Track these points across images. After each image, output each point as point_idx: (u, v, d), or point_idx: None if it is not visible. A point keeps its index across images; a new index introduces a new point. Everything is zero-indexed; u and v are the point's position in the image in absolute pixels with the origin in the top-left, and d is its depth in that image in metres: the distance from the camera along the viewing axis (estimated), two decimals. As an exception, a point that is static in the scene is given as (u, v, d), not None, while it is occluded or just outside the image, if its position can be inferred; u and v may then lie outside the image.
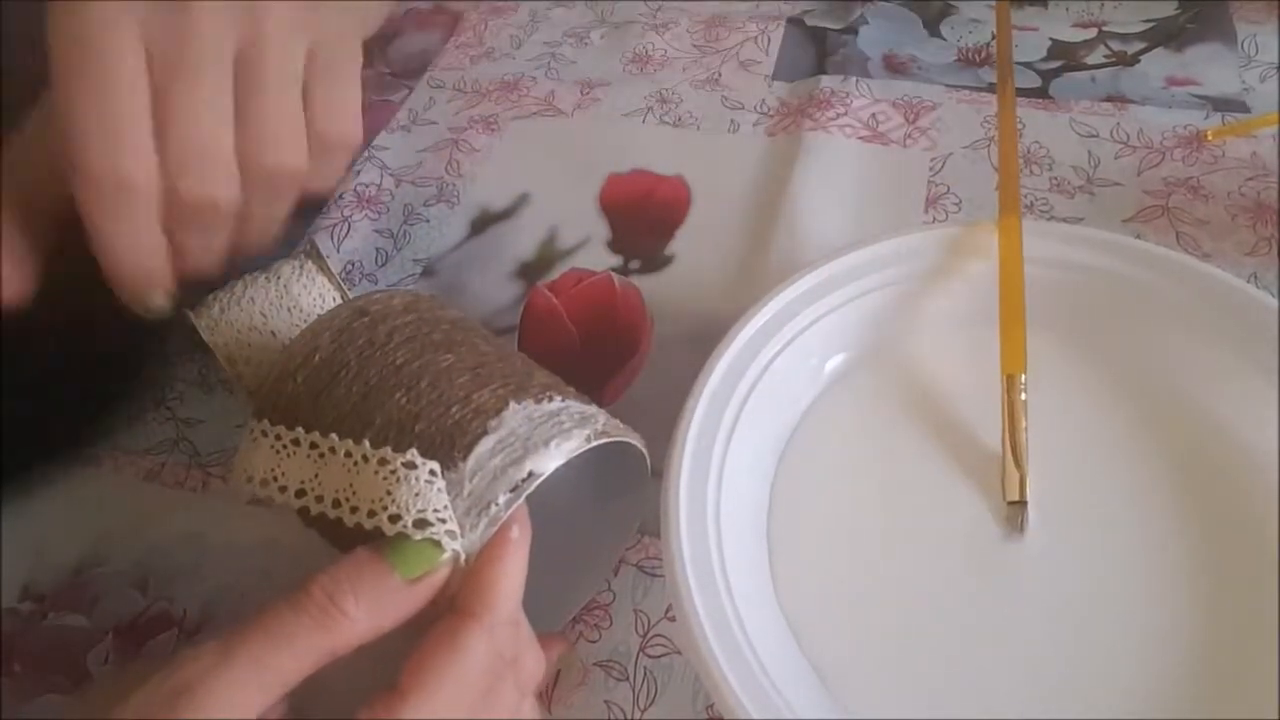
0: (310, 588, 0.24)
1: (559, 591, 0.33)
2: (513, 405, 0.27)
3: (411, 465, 0.25)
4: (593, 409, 0.29)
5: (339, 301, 0.37)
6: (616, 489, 0.33)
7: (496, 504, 0.26)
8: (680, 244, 0.46)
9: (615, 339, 0.42)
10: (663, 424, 0.32)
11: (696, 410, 0.32)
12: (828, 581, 0.32)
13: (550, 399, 0.28)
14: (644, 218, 0.47)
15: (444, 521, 0.25)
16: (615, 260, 0.46)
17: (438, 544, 0.25)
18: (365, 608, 0.24)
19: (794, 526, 0.34)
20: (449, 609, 0.25)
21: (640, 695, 0.32)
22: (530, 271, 0.46)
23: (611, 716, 0.31)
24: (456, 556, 0.25)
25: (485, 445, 0.26)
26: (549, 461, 0.26)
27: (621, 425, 0.30)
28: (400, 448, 0.26)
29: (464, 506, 0.26)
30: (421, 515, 0.25)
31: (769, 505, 0.34)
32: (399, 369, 0.28)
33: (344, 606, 0.24)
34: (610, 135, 0.52)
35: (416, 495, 0.25)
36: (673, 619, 0.33)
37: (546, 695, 0.32)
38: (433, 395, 0.27)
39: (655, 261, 0.45)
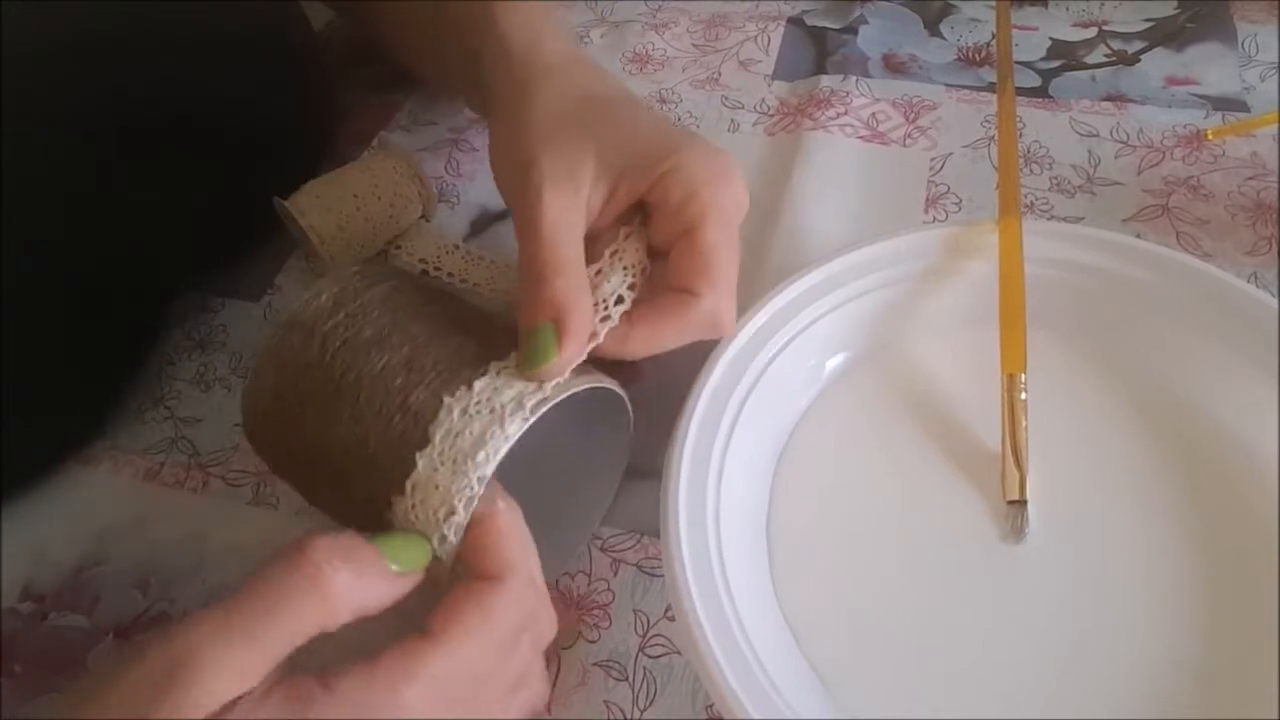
0: (304, 547, 0.24)
1: (555, 540, 0.34)
2: (446, 401, 0.27)
3: (389, 505, 0.27)
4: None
5: (416, 187, 0.45)
6: (599, 426, 0.34)
7: (456, 515, 0.26)
8: (680, 244, 0.46)
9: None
10: (663, 424, 0.32)
11: (696, 410, 0.32)
12: (827, 581, 0.32)
13: (483, 374, 0.28)
14: (644, 217, 0.47)
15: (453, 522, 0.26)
16: (615, 260, 0.46)
17: (426, 540, 0.26)
18: (354, 579, 0.24)
19: (794, 526, 0.34)
20: (465, 576, 0.26)
21: (640, 695, 0.32)
22: (530, 271, 0.46)
23: (611, 716, 0.31)
24: (438, 561, 0.26)
25: (431, 453, 0.27)
26: (492, 459, 0.26)
27: (568, 375, 0.29)
28: (362, 481, 0.27)
29: (436, 503, 0.26)
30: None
31: (769, 505, 0.34)
32: (339, 388, 0.28)
33: (338, 571, 0.24)
34: (610, 135, 0.52)
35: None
36: (672, 619, 0.33)
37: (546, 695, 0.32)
38: (373, 409, 0.28)
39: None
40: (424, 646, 0.24)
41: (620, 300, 0.30)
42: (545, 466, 0.32)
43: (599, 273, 0.31)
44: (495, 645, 0.26)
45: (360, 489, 0.28)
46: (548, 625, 0.29)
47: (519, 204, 0.30)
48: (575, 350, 0.28)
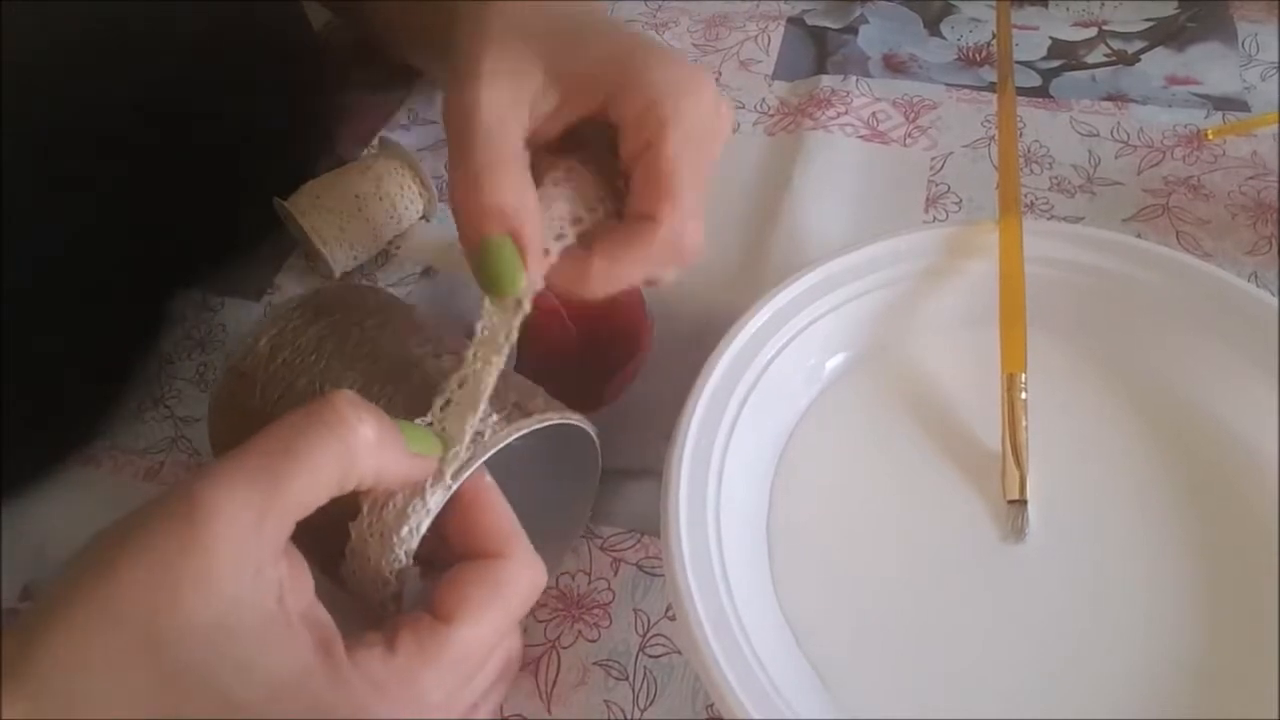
0: (330, 397, 0.23)
1: None
2: None
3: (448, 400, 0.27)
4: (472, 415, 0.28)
5: (417, 187, 0.45)
6: (565, 453, 0.33)
7: (390, 586, 0.26)
8: (680, 243, 0.46)
9: (615, 339, 0.42)
10: (663, 424, 0.32)
11: (696, 410, 0.32)
12: (827, 581, 0.32)
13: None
14: (644, 217, 0.47)
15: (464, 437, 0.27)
16: (615, 260, 0.46)
17: (441, 440, 0.26)
18: (376, 433, 0.23)
19: (794, 526, 0.34)
20: (467, 558, 0.26)
21: (640, 695, 0.32)
22: (530, 271, 0.46)
23: (611, 716, 0.31)
24: (444, 459, 0.26)
25: (360, 524, 0.26)
26: (415, 534, 0.26)
27: (500, 427, 0.28)
28: (309, 543, 0.26)
29: (371, 573, 0.26)
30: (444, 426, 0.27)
31: (769, 505, 0.34)
32: None
33: (363, 421, 0.23)
34: (610, 135, 0.52)
35: (444, 412, 0.27)
36: (673, 619, 0.33)
37: (546, 695, 0.32)
38: None
39: (655, 261, 0.45)
40: (442, 630, 0.24)
41: (561, 236, 0.27)
42: (506, 485, 0.32)
43: (538, 200, 0.27)
44: (509, 621, 0.25)
45: (306, 547, 0.26)
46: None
47: (454, 106, 0.27)
48: (538, 266, 0.26)
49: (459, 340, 0.31)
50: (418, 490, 0.26)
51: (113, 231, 0.39)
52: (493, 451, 0.27)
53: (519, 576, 0.26)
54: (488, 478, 0.27)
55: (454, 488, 0.26)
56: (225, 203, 0.44)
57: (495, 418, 0.28)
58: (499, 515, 0.26)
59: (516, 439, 0.28)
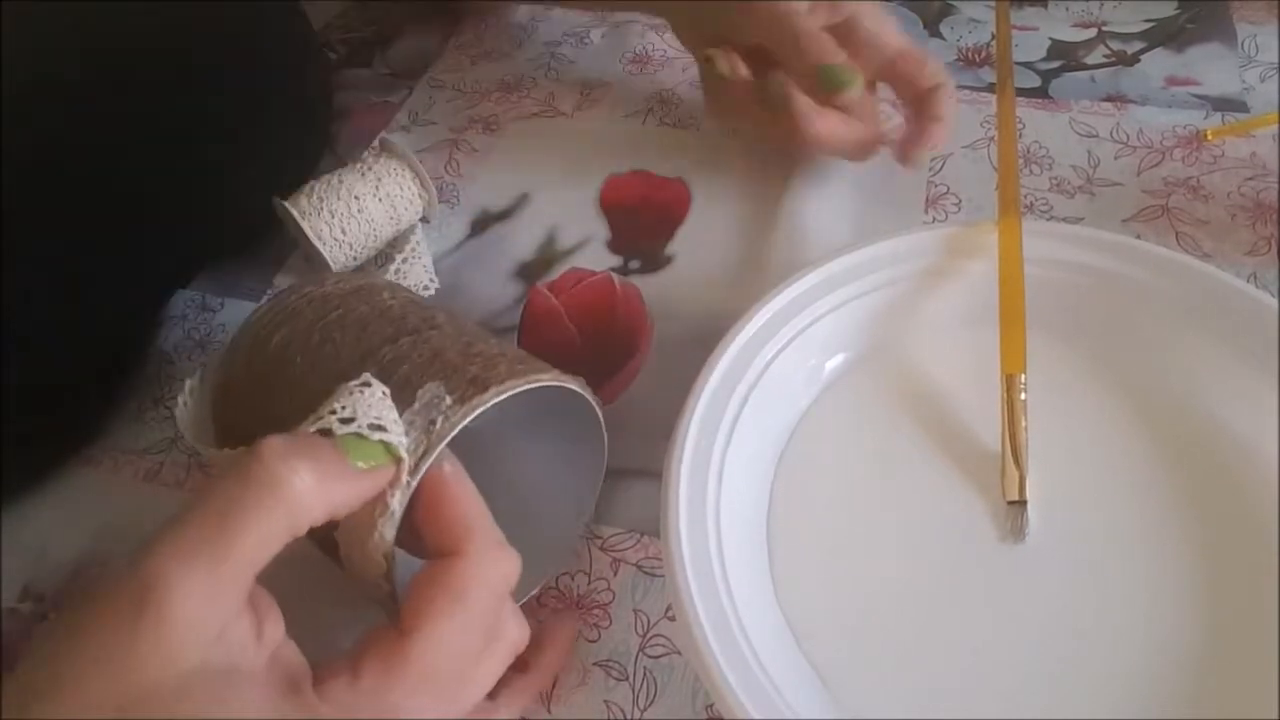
0: (258, 452, 0.22)
1: (539, 543, 0.33)
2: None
3: (367, 384, 0.26)
4: (428, 393, 0.27)
5: (417, 188, 0.45)
6: (565, 423, 0.33)
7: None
8: (680, 244, 0.46)
9: (615, 339, 0.42)
10: (663, 424, 0.32)
11: (696, 410, 0.32)
12: (827, 581, 0.32)
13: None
14: (644, 218, 0.47)
15: (398, 426, 0.25)
16: (615, 260, 0.46)
17: (389, 447, 0.25)
18: (315, 478, 0.22)
19: (794, 526, 0.34)
20: (431, 555, 0.25)
21: (640, 695, 0.32)
22: (530, 271, 0.46)
23: (611, 716, 0.31)
24: (402, 461, 0.25)
25: (357, 520, 0.26)
26: (396, 514, 0.25)
27: (480, 391, 0.27)
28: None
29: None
30: (377, 421, 0.25)
31: (769, 505, 0.34)
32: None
33: (297, 471, 0.22)
34: (610, 136, 0.52)
35: (369, 406, 0.25)
36: (672, 619, 0.33)
37: (546, 695, 0.32)
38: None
39: (655, 261, 0.45)
40: (403, 645, 0.24)
41: None
42: (510, 470, 0.31)
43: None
44: (477, 621, 0.25)
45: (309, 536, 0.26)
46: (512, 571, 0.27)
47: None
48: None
49: (422, 312, 0.31)
50: (380, 498, 0.25)
51: (113, 231, 0.39)
52: (448, 439, 0.26)
53: (477, 574, 0.25)
54: (448, 466, 0.26)
55: (413, 484, 0.26)
56: (226, 202, 0.44)
57: (449, 400, 0.27)
58: (458, 508, 0.25)
59: (473, 419, 0.27)
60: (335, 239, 0.43)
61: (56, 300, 0.38)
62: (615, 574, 0.35)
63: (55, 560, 0.37)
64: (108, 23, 0.38)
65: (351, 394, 0.25)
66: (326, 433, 0.25)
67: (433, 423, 0.26)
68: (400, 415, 0.26)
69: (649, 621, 0.33)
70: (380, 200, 0.44)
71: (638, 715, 0.31)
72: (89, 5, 0.37)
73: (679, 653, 0.32)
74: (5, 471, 0.37)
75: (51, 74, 0.36)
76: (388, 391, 0.26)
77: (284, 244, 0.47)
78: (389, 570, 0.26)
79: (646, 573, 0.35)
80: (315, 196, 0.43)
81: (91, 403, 0.41)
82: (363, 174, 0.45)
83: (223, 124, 0.43)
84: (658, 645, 0.33)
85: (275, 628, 0.24)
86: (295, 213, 0.43)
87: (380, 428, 0.25)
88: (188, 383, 0.32)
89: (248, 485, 0.22)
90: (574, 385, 0.30)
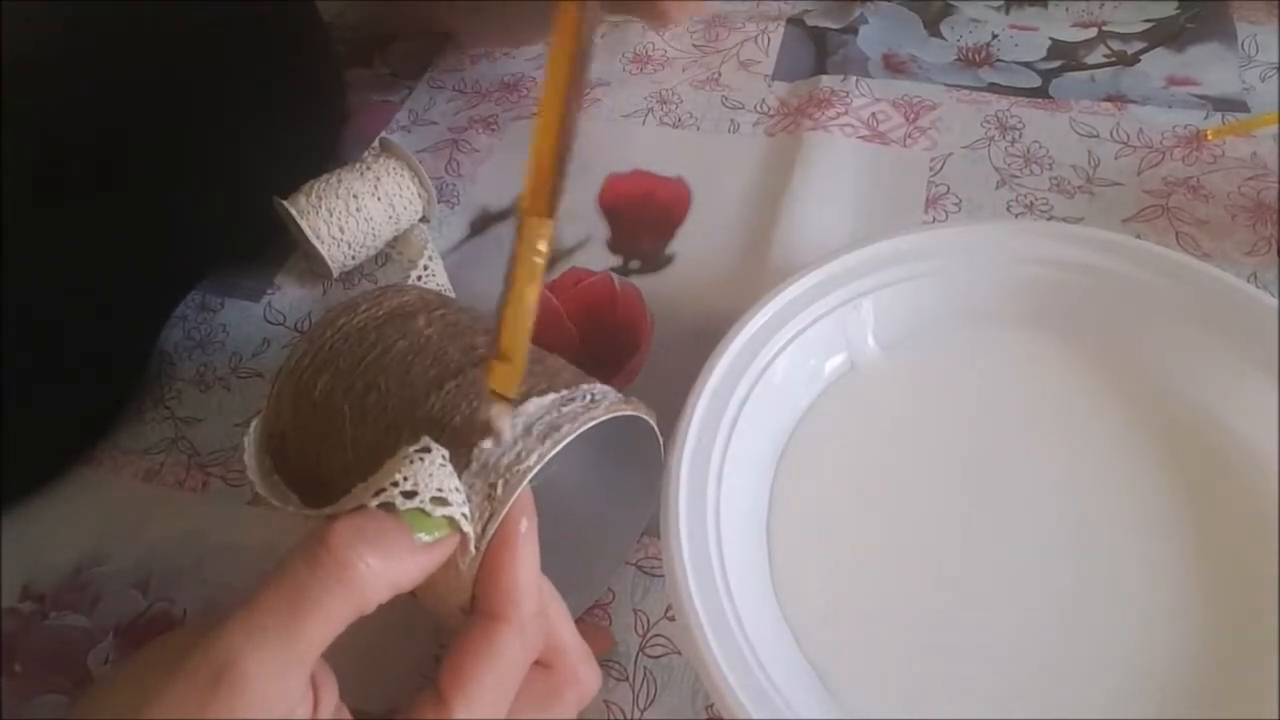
0: (327, 540, 0.23)
1: (575, 580, 0.33)
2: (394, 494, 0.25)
3: (426, 449, 0.25)
4: (484, 454, 0.26)
5: (416, 188, 0.45)
6: (627, 459, 0.32)
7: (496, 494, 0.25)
8: (680, 244, 0.46)
9: (615, 339, 0.42)
10: (663, 424, 0.32)
11: (696, 410, 0.32)
12: (827, 581, 0.32)
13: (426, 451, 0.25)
14: (644, 218, 0.47)
15: (460, 494, 0.25)
16: (615, 260, 0.46)
17: (453, 520, 0.25)
18: (382, 561, 0.23)
19: (794, 526, 0.34)
20: (474, 612, 0.26)
21: (640, 695, 0.32)
22: (530, 271, 0.46)
23: (611, 716, 0.31)
24: (467, 535, 0.25)
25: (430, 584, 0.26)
26: (467, 579, 0.26)
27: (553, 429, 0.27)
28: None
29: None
30: (439, 494, 0.25)
31: (769, 505, 0.34)
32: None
33: (364, 558, 0.23)
34: (610, 135, 0.52)
35: (430, 475, 0.25)
36: (672, 619, 0.33)
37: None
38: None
39: (655, 261, 0.45)
40: (442, 712, 0.24)
41: None
42: (575, 501, 0.31)
43: None
44: (508, 688, 0.25)
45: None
46: (589, 676, 0.27)
47: None
48: None
49: (460, 340, 0.30)
50: (450, 564, 0.25)
51: (113, 231, 0.39)
52: (510, 504, 0.25)
53: (512, 641, 0.25)
54: (524, 522, 0.26)
55: (479, 556, 0.25)
56: (226, 203, 0.44)
57: (505, 459, 0.26)
58: (515, 573, 0.25)
59: (534, 475, 0.26)
60: (333, 238, 0.43)
61: (57, 300, 0.38)
62: (615, 574, 0.35)
63: (55, 560, 0.37)
64: (110, 21, 0.38)
65: (411, 463, 0.25)
66: (388, 505, 0.24)
67: (493, 486, 0.26)
68: (461, 477, 0.26)
69: (649, 621, 0.33)
70: (379, 200, 0.44)
71: (638, 715, 0.31)
72: (91, 4, 0.37)
73: (679, 653, 0.32)
74: (5, 471, 0.37)
75: (51, 71, 0.36)
76: (446, 455, 0.25)
77: (284, 244, 0.47)
78: (464, 613, 0.26)
79: (646, 573, 0.34)
80: (314, 195, 0.43)
81: (92, 403, 0.41)
82: (362, 173, 0.45)
83: (234, 126, 0.43)
84: (658, 645, 0.33)
85: (330, 695, 0.24)
86: (294, 211, 0.43)
87: (443, 500, 0.25)
88: (245, 439, 0.31)
89: (315, 571, 0.23)
90: (640, 413, 0.29)
